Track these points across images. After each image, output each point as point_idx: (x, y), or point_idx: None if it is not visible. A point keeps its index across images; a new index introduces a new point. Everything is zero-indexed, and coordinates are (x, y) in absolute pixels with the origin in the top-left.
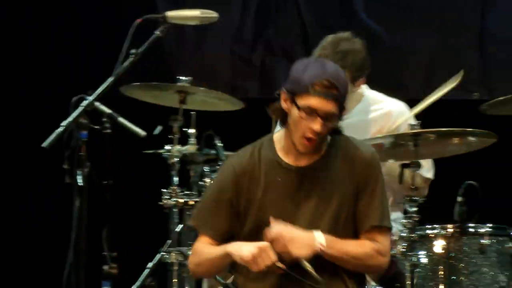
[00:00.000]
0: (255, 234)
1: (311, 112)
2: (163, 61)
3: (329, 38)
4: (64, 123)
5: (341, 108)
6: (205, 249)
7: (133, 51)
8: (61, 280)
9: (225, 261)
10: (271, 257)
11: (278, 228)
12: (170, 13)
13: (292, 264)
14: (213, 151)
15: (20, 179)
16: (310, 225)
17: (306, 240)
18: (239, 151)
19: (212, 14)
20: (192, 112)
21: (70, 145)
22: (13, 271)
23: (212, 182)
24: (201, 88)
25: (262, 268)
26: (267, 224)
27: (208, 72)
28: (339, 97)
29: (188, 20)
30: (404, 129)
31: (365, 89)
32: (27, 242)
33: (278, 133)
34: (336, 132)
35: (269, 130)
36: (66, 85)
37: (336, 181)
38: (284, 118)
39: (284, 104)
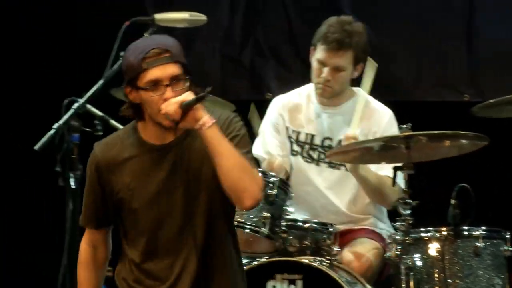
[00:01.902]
0: (133, 221)
1: (155, 84)
2: None
3: (333, 18)
4: (56, 125)
5: (184, 67)
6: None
7: (122, 53)
8: (55, 283)
9: None
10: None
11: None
12: (159, 16)
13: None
14: None
15: (12, 182)
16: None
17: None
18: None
19: (201, 17)
20: None
21: (62, 147)
22: (7, 273)
23: None
24: None
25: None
26: (143, 209)
27: (199, 74)
28: (175, 58)
29: (176, 22)
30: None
31: (359, 90)
32: (21, 245)
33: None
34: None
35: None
36: (58, 87)
37: (201, 153)
38: (138, 111)
39: (132, 97)
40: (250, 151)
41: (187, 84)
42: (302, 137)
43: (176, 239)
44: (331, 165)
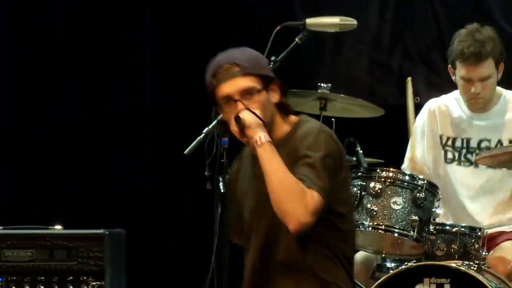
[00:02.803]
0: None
1: (227, 100)
2: (302, 68)
3: (462, 31)
4: (205, 130)
5: (262, 78)
6: None
7: (273, 58)
8: (204, 285)
9: None
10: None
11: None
12: (310, 20)
13: None
14: (354, 158)
15: (164, 186)
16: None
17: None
18: None
19: (351, 21)
20: (332, 119)
21: (212, 152)
22: (156, 277)
23: None
24: (341, 95)
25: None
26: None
27: (347, 79)
28: (244, 71)
29: (327, 27)
30: None
31: (503, 90)
32: (171, 250)
33: None
34: (284, 109)
35: (408, 136)
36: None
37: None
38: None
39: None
40: (315, 171)
41: (264, 95)
42: (458, 143)
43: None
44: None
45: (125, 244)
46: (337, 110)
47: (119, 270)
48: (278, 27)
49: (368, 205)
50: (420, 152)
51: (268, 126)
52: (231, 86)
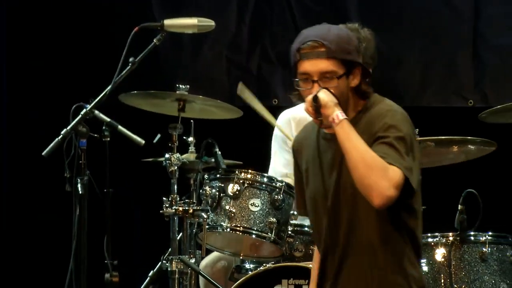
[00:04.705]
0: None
1: (306, 77)
2: (160, 69)
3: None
4: (64, 131)
5: (346, 63)
6: None
7: (131, 59)
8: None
9: None
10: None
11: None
12: (168, 22)
13: None
14: (212, 159)
15: (21, 188)
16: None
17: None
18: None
19: (209, 22)
20: (191, 120)
21: (70, 153)
22: (15, 278)
23: None
24: (200, 96)
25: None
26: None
27: (206, 80)
28: (330, 54)
29: (185, 28)
30: None
31: None
32: (28, 250)
33: None
34: (361, 93)
35: (266, 137)
36: (66, 93)
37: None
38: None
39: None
40: (395, 150)
41: (343, 80)
42: None
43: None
44: None
45: None
46: (196, 111)
47: None
48: (136, 28)
49: (227, 207)
50: (283, 166)
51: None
52: (313, 65)
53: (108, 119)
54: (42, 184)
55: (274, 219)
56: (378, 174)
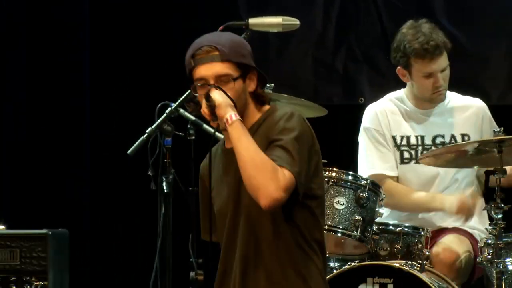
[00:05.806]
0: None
1: (203, 84)
2: None
3: (405, 31)
4: (149, 130)
5: (240, 66)
6: None
7: None
8: (147, 286)
9: None
10: None
11: None
12: (253, 20)
13: None
14: None
15: (105, 187)
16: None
17: None
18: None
19: (294, 21)
20: None
21: (155, 152)
22: (100, 277)
23: None
24: (285, 95)
25: None
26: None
27: (291, 79)
28: (224, 57)
29: (270, 27)
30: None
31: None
32: (113, 250)
33: None
34: (259, 99)
35: (352, 135)
36: (151, 92)
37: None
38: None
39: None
40: (287, 152)
41: (240, 83)
42: (412, 140)
43: (231, 237)
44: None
45: (68, 244)
46: None
47: (62, 270)
48: (221, 27)
49: None
50: (378, 163)
51: (240, 115)
52: (208, 69)
53: (193, 118)
54: (127, 183)
55: (360, 217)
56: (266, 175)
